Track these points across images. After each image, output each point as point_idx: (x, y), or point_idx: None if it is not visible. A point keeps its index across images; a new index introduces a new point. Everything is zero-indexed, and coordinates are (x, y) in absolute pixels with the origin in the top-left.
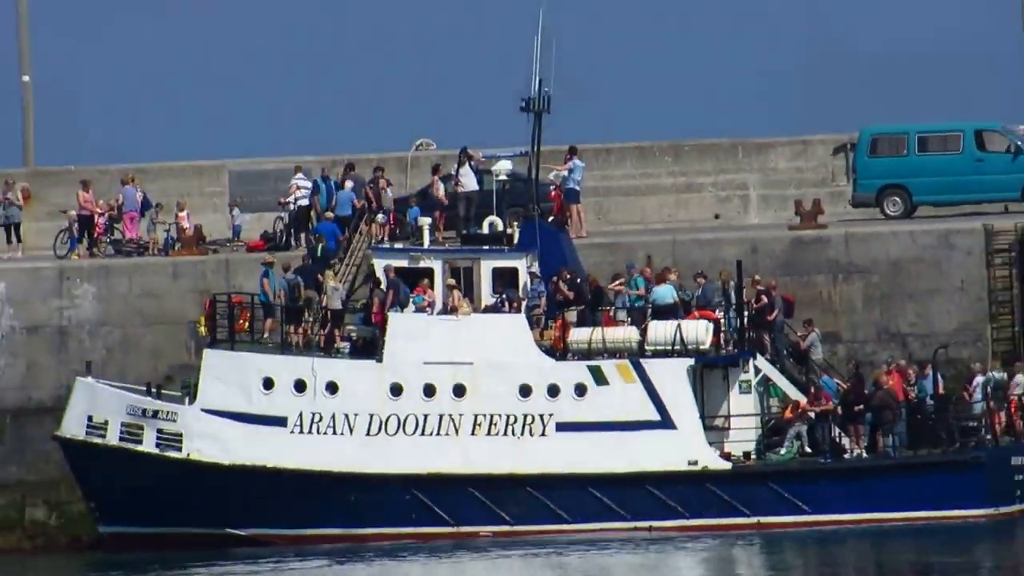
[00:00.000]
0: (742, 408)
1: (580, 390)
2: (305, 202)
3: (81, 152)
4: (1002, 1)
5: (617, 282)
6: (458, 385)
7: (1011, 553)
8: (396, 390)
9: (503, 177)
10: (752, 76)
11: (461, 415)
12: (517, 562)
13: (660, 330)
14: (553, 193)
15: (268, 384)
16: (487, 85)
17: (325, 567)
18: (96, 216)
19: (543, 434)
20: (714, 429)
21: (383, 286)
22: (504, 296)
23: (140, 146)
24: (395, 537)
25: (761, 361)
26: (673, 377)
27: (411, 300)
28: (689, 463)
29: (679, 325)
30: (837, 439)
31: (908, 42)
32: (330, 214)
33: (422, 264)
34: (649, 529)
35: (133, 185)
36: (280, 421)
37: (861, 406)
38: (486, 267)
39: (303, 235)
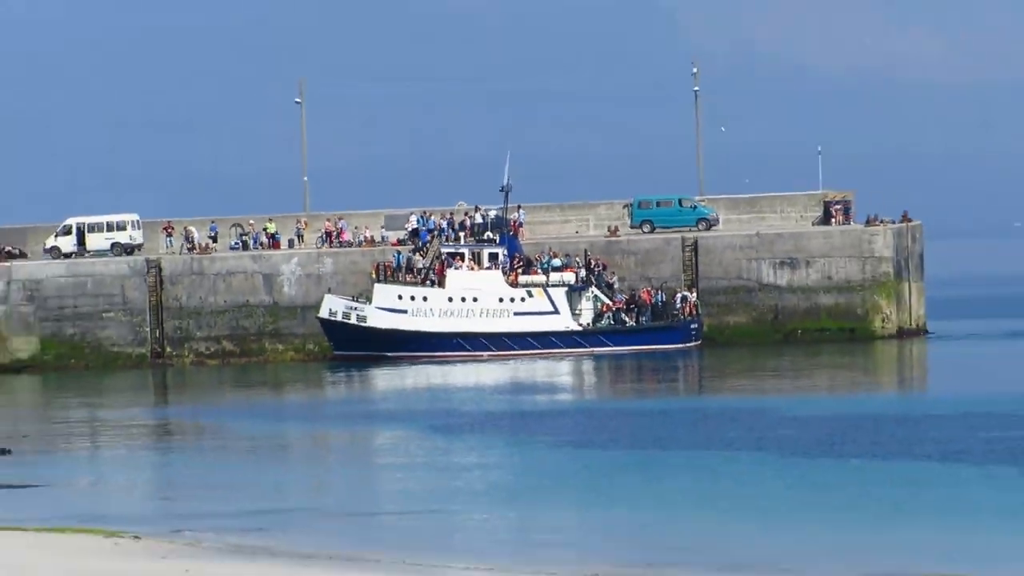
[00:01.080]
0: (586, 307)
1: (523, 300)
2: (415, 225)
3: (324, 204)
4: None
5: (537, 254)
6: (474, 297)
7: (691, 360)
8: (450, 300)
9: (492, 217)
10: (592, 173)
11: (477, 309)
12: (498, 366)
13: (554, 276)
14: (512, 223)
15: (399, 297)
16: (486, 180)
17: (422, 366)
18: (332, 232)
19: (509, 316)
20: (575, 315)
21: (443, 259)
22: (492, 264)
23: (345, 201)
24: (449, 358)
25: (594, 288)
26: (559, 295)
27: (454, 265)
28: (563, 328)
29: (562, 275)
30: (624, 318)
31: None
32: (424, 229)
33: (459, 251)
34: (550, 355)
35: (344, 220)
36: (405, 312)
37: (633, 305)
38: (485, 252)
39: (414, 239)
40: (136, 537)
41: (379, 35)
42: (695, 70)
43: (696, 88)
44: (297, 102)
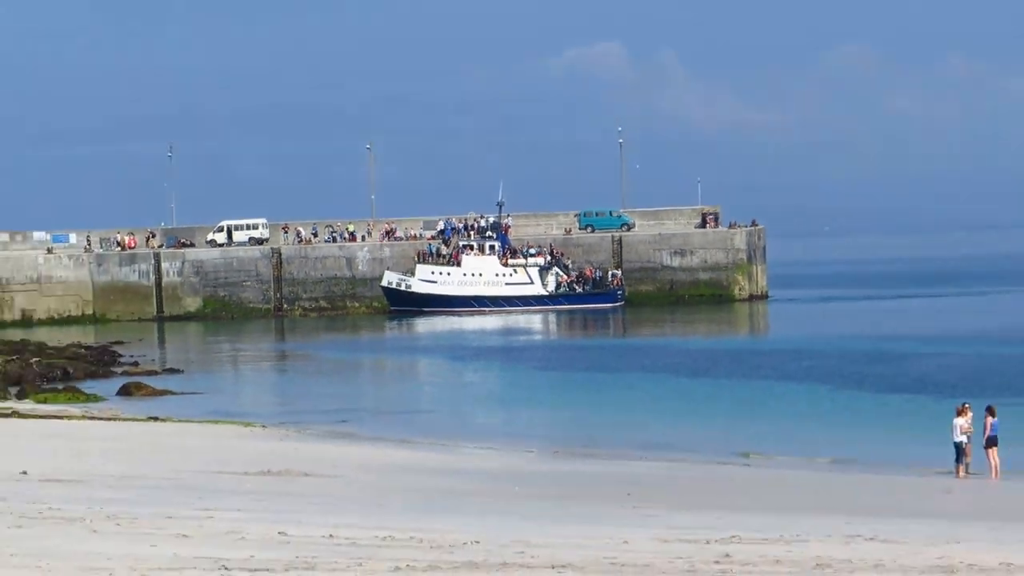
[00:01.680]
0: (551, 280)
1: (510, 275)
2: (442, 227)
3: (385, 213)
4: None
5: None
6: (480, 273)
7: (618, 315)
8: (465, 275)
9: (491, 222)
10: (555, 193)
11: (481, 280)
12: (495, 318)
13: (531, 260)
14: (504, 226)
15: (432, 273)
16: (488, 198)
17: (446, 318)
18: (389, 231)
19: (502, 286)
20: (544, 285)
21: (460, 248)
22: (491, 252)
23: (398, 211)
24: (466, 312)
25: (556, 268)
26: (534, 272)
27: (466, 253)
28: (536, 294)
29: (536, 259)
30: (575, 287)
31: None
32: (448, 229)
33: (470, 243)
34: (528, 311)
35: (397, 224)
36: (435, 282)
37: (581, 279)
38: (487, 244)
39: (442, 235)
40: (263, 426)
41: (420, 105)
42: (620, 128)
43: (620, 140)
44: (368, 148)
